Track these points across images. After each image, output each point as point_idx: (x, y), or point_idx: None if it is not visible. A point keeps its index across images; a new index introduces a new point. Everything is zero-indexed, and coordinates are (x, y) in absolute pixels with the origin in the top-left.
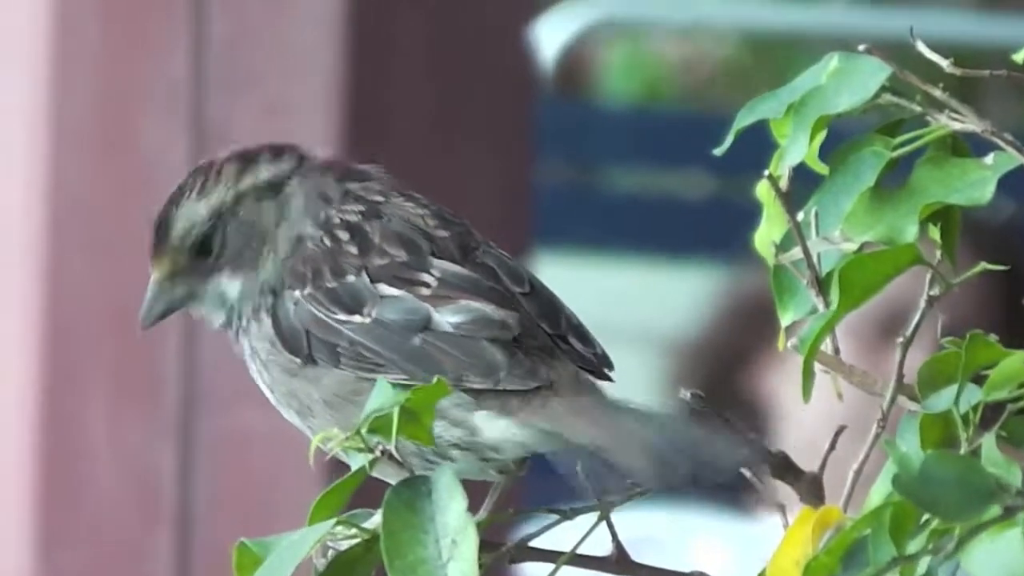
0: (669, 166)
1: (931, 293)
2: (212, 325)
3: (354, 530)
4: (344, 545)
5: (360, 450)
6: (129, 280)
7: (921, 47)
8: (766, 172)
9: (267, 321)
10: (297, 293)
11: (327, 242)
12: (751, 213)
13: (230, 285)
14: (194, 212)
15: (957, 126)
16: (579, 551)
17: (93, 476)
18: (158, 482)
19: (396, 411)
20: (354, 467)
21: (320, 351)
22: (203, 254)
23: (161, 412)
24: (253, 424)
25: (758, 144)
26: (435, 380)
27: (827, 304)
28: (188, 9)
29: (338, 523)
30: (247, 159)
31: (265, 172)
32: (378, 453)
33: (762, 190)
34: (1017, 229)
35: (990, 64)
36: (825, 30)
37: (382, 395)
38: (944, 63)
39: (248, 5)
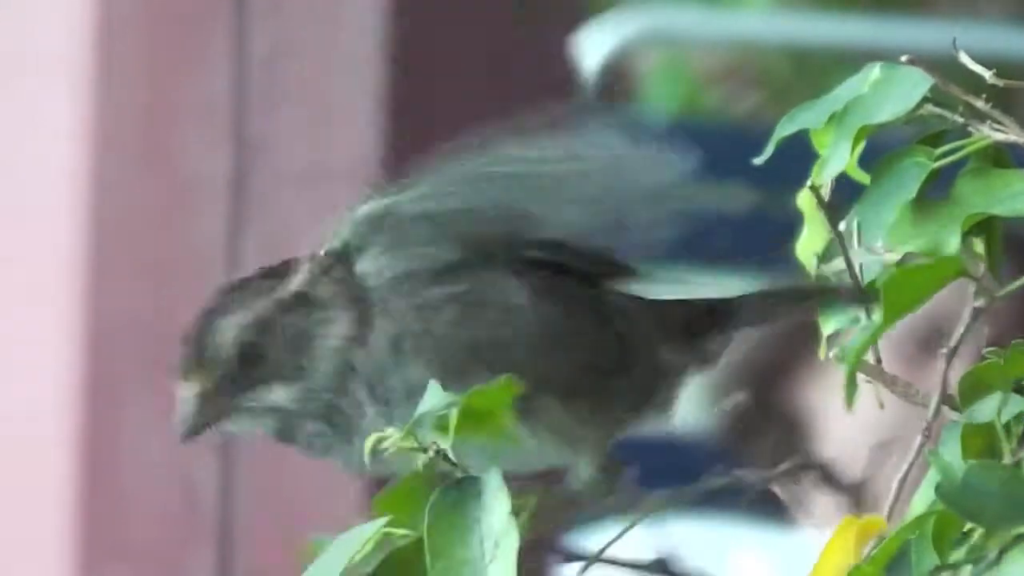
0: (710, 177)
1: (976, 305)
2: (252, 436)
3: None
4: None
5: (415, 451)
6: (171, 295)
7: (964, 58)
8: (808, 182)
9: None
10: None
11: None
12: (790, 226)
13: (281, 394)
14: (238, 322)
15: (1000, 137)
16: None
17: (134, 491)
18: (199, 497)
19: (455, 412)
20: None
21: None
22: (248, 364)
23: None
24: None
25: (797, 157)
26: (505, 379)
27: (868, 315)
28: (229, 24)
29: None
30: (272, 274)
31: (294, 284)
32: (431, 453)
33: (804, 200)
34: None
35: None
36: (864, 43)
37: (434, 397)
38: (987, 74)
39: (290, 19)
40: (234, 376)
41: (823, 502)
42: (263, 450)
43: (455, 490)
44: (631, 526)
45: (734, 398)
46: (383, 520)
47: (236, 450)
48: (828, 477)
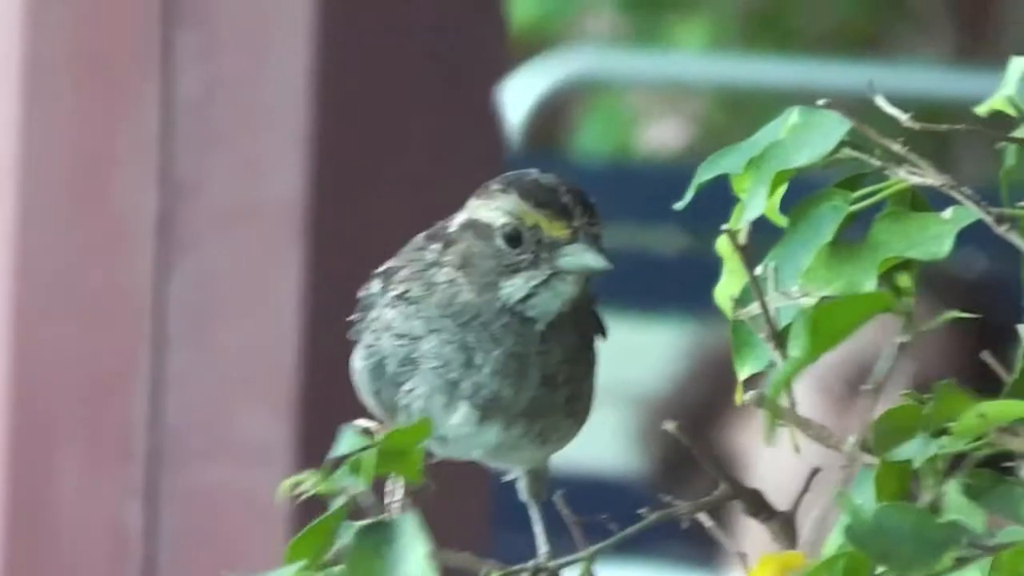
0: (642, 222)
1: (901, 340)
2: (550, 307)
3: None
4: None
5: (332, 493)
6: (98, 336)
7: (880, 101)
8: (725, 227)
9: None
10: None
11: None
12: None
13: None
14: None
15: (916, 180)
16: None
17: (61, 533)
18: (126, 539)
19: (372, 454)
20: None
21: None
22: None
23: (130, 469)
24: (221, 481)
25: (730, 200)
26: (419, 420)
27: (784, 358)
28: (158, 66)
29: (307, 566)
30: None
31: None
32: (350, 497)
33: (722, 245)
34: (988, 284)
35: (964, 119)
36: (799, 86)
37: (348, 442)
38: (903, 117)
39: (218, 62)
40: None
41: (753, 534)
42: (190, 492)
43: (372, 533)
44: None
45: (665, 429)
46: (298, 564)
47: (162, 493)
48: (757, 506)
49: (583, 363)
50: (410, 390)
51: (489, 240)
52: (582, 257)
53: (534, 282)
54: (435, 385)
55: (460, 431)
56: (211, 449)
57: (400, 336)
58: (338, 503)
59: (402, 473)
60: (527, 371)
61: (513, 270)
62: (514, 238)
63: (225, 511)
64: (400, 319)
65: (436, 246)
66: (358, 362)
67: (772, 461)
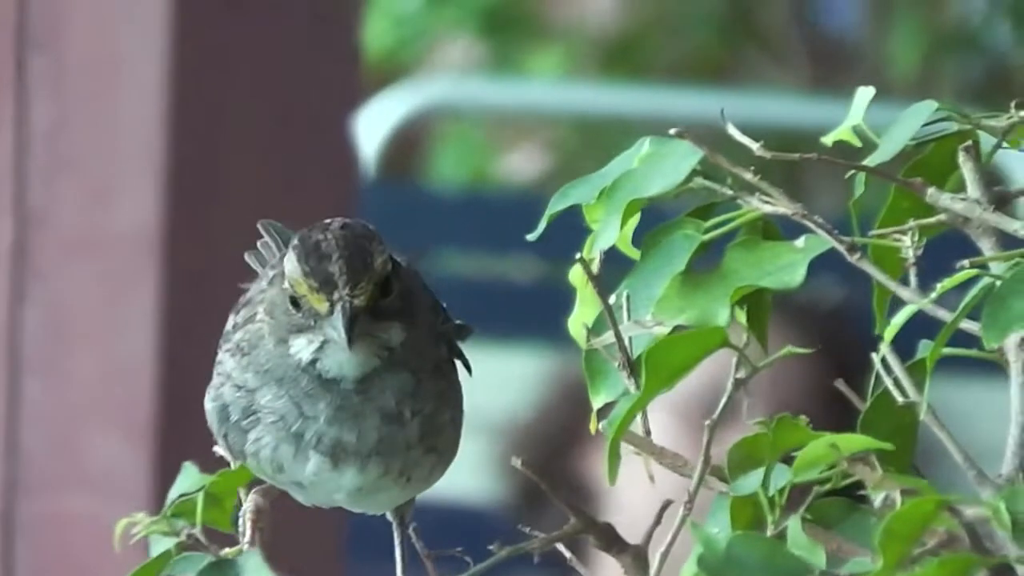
0: (498, 250)
1: (737, 376)
2: (330, 372)
3: None
4: None
5: (166, 534)
6: None
7: (732, 130)
8: (578, 256)
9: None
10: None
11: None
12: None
13: (397, 334)
14: (384, 251)
15: (768, 209)
16: None
17: None
18: None
19: (201, 496)
20: (156, 551)
21: None
22: (385, 295)
23: None
24: (75, 509)
25: (586, 228)
26: (238, 466)
27: (638, 387)
28: (10, 96)
29: None
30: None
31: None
32: (183, 537)
33: (575, 274)
34: (845, 315)
35: (818, 149)
36: (654, 114)
37: (188, 478)
38: (754, 146)
39: (71, 92)
40: (377, 300)
41: (610, 565)
42: (44, 519)
43: (215, 572)
44: None
45: (518, 462)
46: None
47: (17, 521)
48: (608, 540)
49: (435, 397)
50: (257, 439)
51: (284, 295)
52: (330, 334)
53: (314, 346)
54: (279, 437)
55: (316, 478)
56: (65, 477)
57: (238, 387)
58: (164, 544)
59: (213, 521)
60: (364, 413)
61: (298, 329)
62: (294, 301)
63: (80, 539)
64: (237, 370)
65: (264, 285)
66: (207, 403)
67: (629, 490)
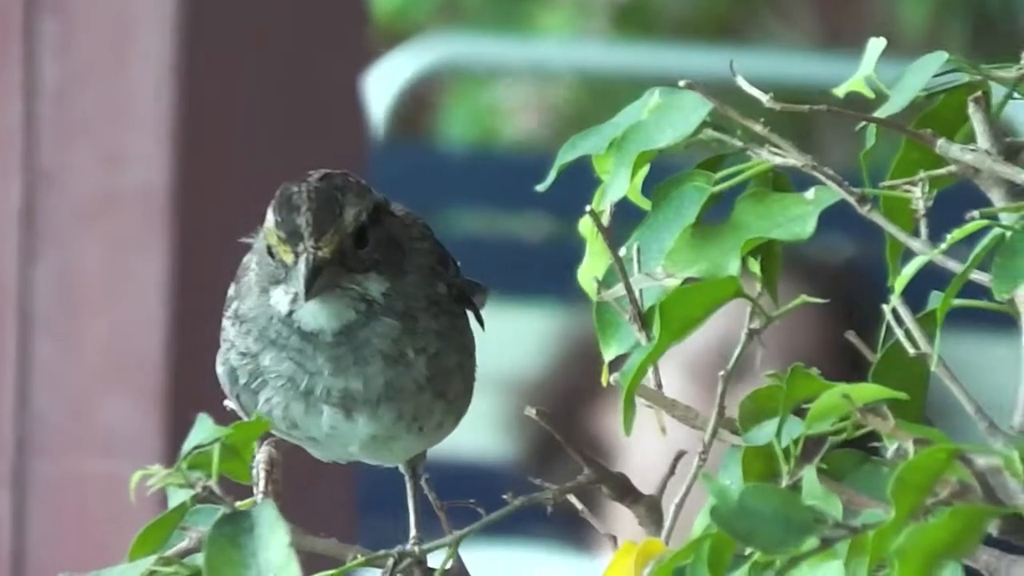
0: (508, 209)
1: (751, 326)
2: (310, 325)
3: (176, 566)
4: None
5: (181, 486)
6: None
7: (741, 82)
8: (587, 208)
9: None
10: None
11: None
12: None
13: (376, 284)
14: (358, 201)
15: (778, 161)
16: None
17: None
18: None
19: (217, 448)
20: (173, 501)
21: None
22: (359, 245)
23: None
24: (89, 470)
25: (594, 185)
26: (255, 417)
27: (649, 339)
28: (20, 57)
29: (159, 559)
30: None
31: (379, 198)
32: (199, 489)
33: (585, 226)
34: (856, 270)
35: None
36: (664, 70)
37: (203, 430)
38: (764, 97)
39: (80, 52)
40: (348, 252)
41: (626, 518)
42: (58, 481)
43: (229, 524)
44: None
45: (532, 411)
46: (150, 558)
47: (29, 483)
48: (622, 491)
49: (437, 337)
50: (267, 399)
51: (264, 244)
52: (296, 285)
53: (288, 297)
54: (288, 396)
55: (331, 431)
56: (78, 438)
57: (242, 354)
58: (180, 497)
59: (231, 472)
60: (365, 358)
61: (275, 280)
62: (270, 251)
63: (92, 500)
64: (239, 337)
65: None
66: (218, 367)
67: (642, 445)
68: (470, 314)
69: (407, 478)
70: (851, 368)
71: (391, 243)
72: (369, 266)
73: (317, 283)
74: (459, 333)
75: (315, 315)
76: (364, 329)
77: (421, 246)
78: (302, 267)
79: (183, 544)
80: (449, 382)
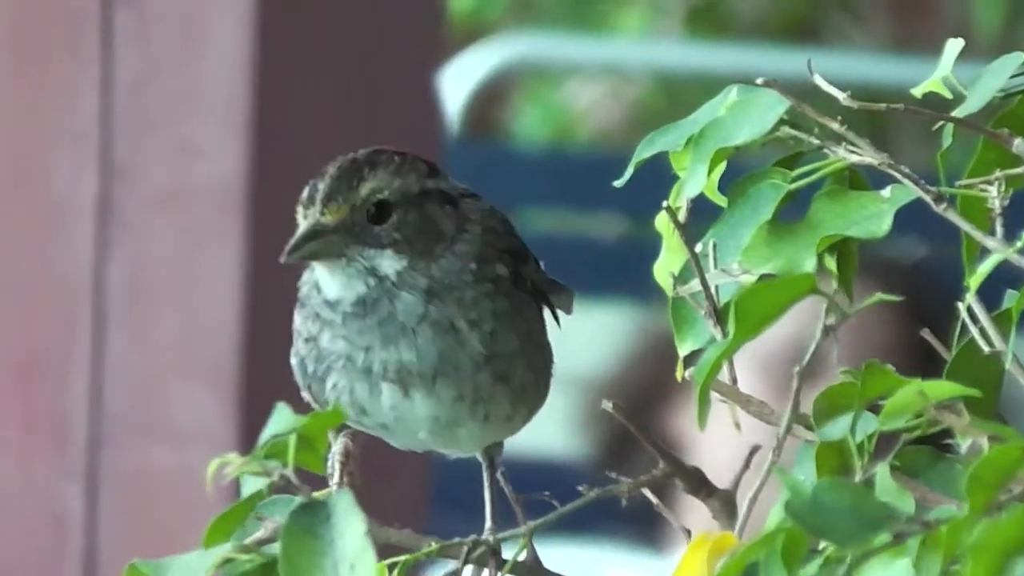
0: (582, 208)
1: (827, 323)
2: (329, 294)
3: (252, 554)
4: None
5: (258, 475)
6: (37, 319)
7: (819, 80)
8: (665, 204)
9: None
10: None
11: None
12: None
13: (391, 262)
14: (388, 180)
15: (855, 159)
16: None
17: (2, 518)
18: (65, 523)
19: (293, 437)
20: (247, 492)
21: None
22: (377, 222)
23: (69, 453)
24: (161, 463)
25: (670, 184)
26: (331, 408)
27: (724, 335)
28: (96, 50)
29: (235, 546)
30: (433, 166)
31: (447, 184)
32: (275, 477)
33: (662, 222)
34: (929, 270)
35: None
36: (738, 70)
37: (280, 420)
38: (841, 96)
39: (156, 46)
40: (361, 226)
41: (699, 513)
42: (130, 474)
43: (305, 513)
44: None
45: (607, 411)
46: (226, 545)
47: (102, 476)
48: (697, 484)
49: (493, 316)
50: (334, 385)
51: None
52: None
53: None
54: (352, 377)
55: (394, 412)
56: (151, 431)
57: (306, 340)
58: (256, 485)
59: (305, 463)
60: (414, 328)
61: None
62: None
63: (165, 493)
64: (303, 323)
65: None
66: (292, 359)
67: (714, 443)
68: (547, 312)
69: (484, 467)
70: (924, 367)
71: (425, 226)
72: (386, 243)
73: (309, 246)
74: (523, 319)
75: (327, 283)
76: (384, 303)
77: (475, 232)
78: (300, 228)
79: (259, 534)
80: (511, 366)
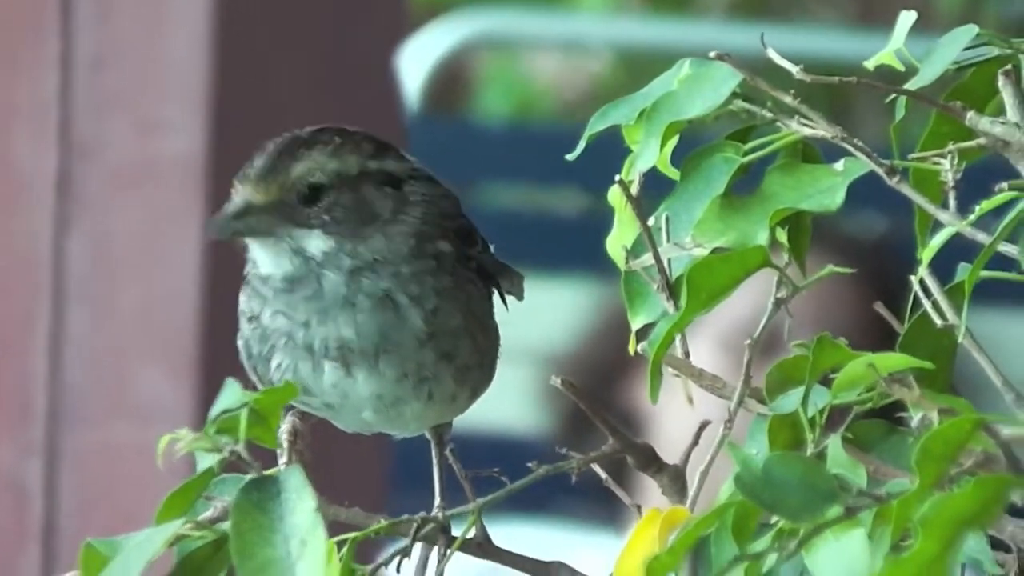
0: (544, 183)
1: (778, 295)
2: (262, 270)
3: (204, 531)
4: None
5: (208, 451)
6: None
7: (772, 54)
8: (617, 177)
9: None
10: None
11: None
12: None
13: (317, 243)
14: (323, 161)
15: (807, 132)
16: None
17: None
18: (25, 497)
19: (244, 412)
20: (201, 467)
21: None
22: (308, 203)
23: (29, 428)
24: (120, 440)
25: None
26: (284, 383)
27: (677, 308)
28: (56, 27)
29: (186, 522)
30: (380, 145)
31: (393, 164)
32: (226, 454)
33: (614, 196)
34: (887, 246)
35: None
36: (701, 46)
37: (230, 396)
38: (794, 69)
39: (117, 24)
40: (291, 206)
41: (653, 491)
42: (89, 449)
43: (255, 489)
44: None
45: (558, 381)
46: (177, 522)
47: (61, 452)
48: (646, 460)
49: (436, 294)
50: (278, 365)
51: None
52: None
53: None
54: (294, 355)
55: (336, 391)
56: (110, 407)
57: (249, 320)
58: (207, 462)
59: (258, 437)
60: (352, 300)
61: None
62: None
63: (124, 469)
64: (245, 301)
65: None
66: (238, 340)
67: (674, 417)
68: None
69: (433, 445)
70: (883, 342)
71: (358, 208)
72: (316, 224)
73: (235, 224)
74: (467, 297)
75: (261, 259)
76: (310, 281)
77: (415, 213)
78: (231, 204)
79: (209, 513)
80: (456, 345)
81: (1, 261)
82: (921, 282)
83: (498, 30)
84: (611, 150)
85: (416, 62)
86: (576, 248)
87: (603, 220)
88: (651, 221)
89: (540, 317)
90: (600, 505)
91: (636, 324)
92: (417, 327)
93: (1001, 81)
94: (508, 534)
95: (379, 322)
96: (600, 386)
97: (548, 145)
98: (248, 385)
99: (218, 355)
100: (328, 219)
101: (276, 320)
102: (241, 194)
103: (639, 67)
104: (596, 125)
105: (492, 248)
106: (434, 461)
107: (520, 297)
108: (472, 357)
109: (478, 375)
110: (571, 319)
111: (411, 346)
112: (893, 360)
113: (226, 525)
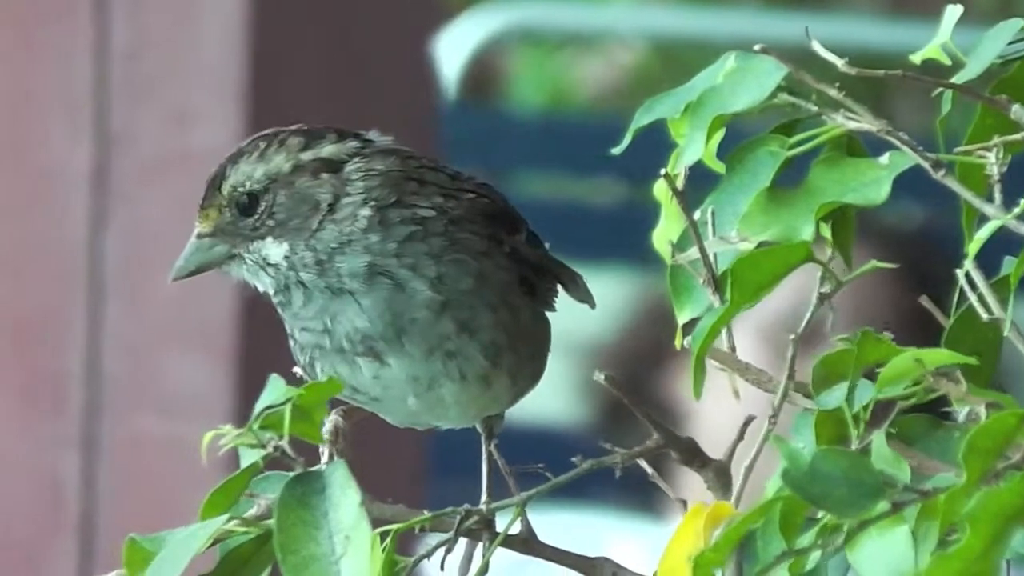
0: (578, 173)
1: (822, 290)
2: (260, 289)
3: (248, 526)
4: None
5: (252, 446)
6: (32, 287)
7: (817, 47)
8: (663, 171)
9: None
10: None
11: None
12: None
13: (274, 249)
14: (250, 171)
15: (852, 125)
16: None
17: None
18: (62, 489)
19: (288, 408)
20: (244, 463)
21: None
22: (247, 214)
23: (65, 420)
24: (157, 431)
25: (667, 149)
26: (327, 378)
27: (722, 302)
28: (90, 17)
29: (231, 518)
30: (312, 135)
31: (328, 150)
32: (270, 449)
33: (659, 189)
34: (929, 238)
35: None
36: (735, 36)
37: (274, 391)
38: (839, 62)
39: (150, 14)
40: (234, 222)
41: (696, 482)
42: (126, 441)
43: (300, 485)
44: (514, 517)
45: (601, 376)
46: (222, 518)
47: (98, 443)
48: (690, 455)
49: (436, 262)
50: (321, 370)
51: None
52: None
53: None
54: (331, 361)
55: (377, 382)
56: (147, 399)
57: (289, 336)
58: (251, 457)
59: (303, 433)
60: (341, 287)
61: None
62: None
63: (162, 461)
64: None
65: None
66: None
67: (715, 410)
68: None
69: (483, 438)
70: (925, 335)
71: (298, 203)
72: (264, 232)
73: (192, 259)
74: (478, 265)
75: (254, 282)
76: (294, 288)
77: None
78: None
79: (252, 511)
80: (473, 315)
81: (37, 254)
82: (967, 275)
83: (533, 21)
84: (647, 140)
85: (452, 51)
86: (613, 238)
87: (638, 210)
88: (697, 215)
89: (577, 308)
90: (638, 493)
91: (682, 318)
92: (425, 296)
93: None
94: (547, 522)
95: (384, 299)
96: (640, 378)
97: (583, 135)
98: (288, 377)
99: (255, 347)
100: (272, 223)
101: (304, 336)
102: (195, 229)
103: (672, 58)
104: (642, 118)
105: (548, 246)
106: (484, 455)
107: (592, 304)
108: (497, 334)
109: (512, 360)
110: (608, 310)
111: (427, 319)
112: (939, 355)
113: (270, 521)
